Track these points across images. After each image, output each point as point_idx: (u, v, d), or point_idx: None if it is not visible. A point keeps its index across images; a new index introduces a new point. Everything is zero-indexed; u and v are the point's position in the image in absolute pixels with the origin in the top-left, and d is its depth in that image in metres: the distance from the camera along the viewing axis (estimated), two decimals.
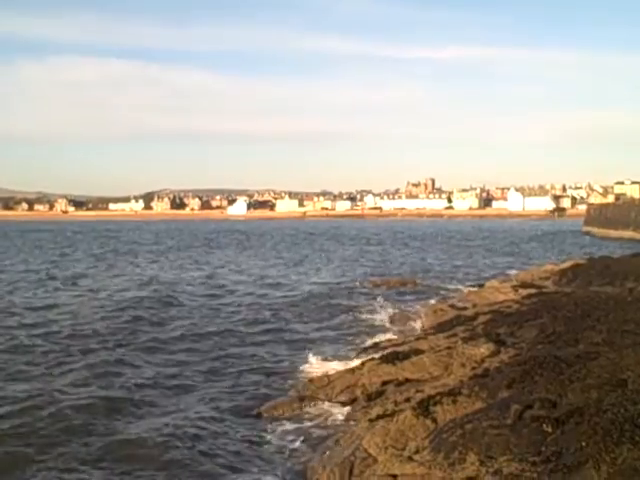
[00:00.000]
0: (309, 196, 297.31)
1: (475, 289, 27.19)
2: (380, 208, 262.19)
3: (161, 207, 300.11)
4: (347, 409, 11.99)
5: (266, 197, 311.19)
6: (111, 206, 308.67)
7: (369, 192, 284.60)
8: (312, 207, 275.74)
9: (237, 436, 11.19)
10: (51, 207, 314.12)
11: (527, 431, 7.43)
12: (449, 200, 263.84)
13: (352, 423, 10.96)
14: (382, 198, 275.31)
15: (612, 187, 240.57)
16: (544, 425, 7.44)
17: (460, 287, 30.58)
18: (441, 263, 47.03)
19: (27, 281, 35.42)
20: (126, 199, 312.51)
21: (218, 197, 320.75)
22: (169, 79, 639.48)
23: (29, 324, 21.70)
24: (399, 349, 14.14)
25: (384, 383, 12.31)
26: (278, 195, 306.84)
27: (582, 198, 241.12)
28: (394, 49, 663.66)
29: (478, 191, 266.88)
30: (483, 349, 12.30)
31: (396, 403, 10.50)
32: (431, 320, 20.00)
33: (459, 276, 37.01)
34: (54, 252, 62.49)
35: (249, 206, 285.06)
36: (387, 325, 21.32)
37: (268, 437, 11.09)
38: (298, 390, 13.48)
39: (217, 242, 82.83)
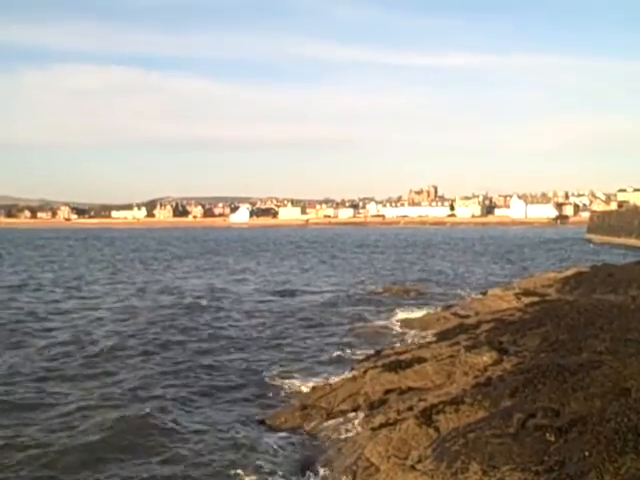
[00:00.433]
0: (311, 204, 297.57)
1: (478, 297, 27.15)
2: (383, 216, 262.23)
3: (164, 215, 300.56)
4: (349, 417, 11.95)
5: (268, 205, 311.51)
6: (114, 214, 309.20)
7: (371, 200, 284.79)
8: (315, 215, 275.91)
9: (239, 443, 11.16)
10: (54, 215, 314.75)
11: (530, 440, 7.41)
12: (451, 208, 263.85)
13: (354, 432, 10.94)
14: (384, 206, 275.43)
15: (615, 194, 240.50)
16: (547, 434, 7.42)
17: (463, 295, 30.55)
18: (444, 271, 46.97)
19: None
20: (129, 207, 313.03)
21: (221, 205, 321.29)
22: (171, 86, 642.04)
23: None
24: (402, 357, 14.10)
25: (387, 392, 12.27)
26: (280, 203, 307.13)
27: (585, 205, 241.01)
28: (395, 56, 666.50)
29: (480, 199, 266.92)
30: (486, 357, 12.26)
31: (399, 412, 10.48)
32: (434, 328, 19.96)
33: (462, 284, 36.96)
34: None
35: (252, 214, 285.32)
36: (390, 333, 21.28)
37: (270, 445, 11.06)
38: (300, 398, 13.46)
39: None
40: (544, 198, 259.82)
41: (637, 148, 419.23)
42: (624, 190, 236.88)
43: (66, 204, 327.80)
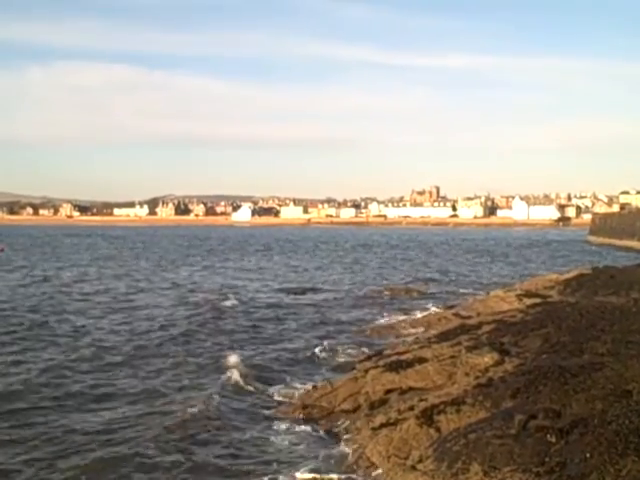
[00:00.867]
0: (313, 203, 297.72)
1: (480, 298, 27.13)
2: (385, 216, 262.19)
3: (165, 213, 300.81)
4: (350, 417, 11.95)
5: (270, 204, 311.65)
6: (116, 211, 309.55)
7: (374, 200, 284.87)
8: (316, 214, 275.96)
9: (239, 442, 11.17)
10: (56, 212, 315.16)
11: (531, 441, 7.41)
12: (454, 208, 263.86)
13: (355, 431, 10.94)
14: (387, 206, 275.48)
15: (617, 197, 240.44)
16: (548, 435, 7.43)
17: (465, 295, 30.54)
18: (446, 270, 46.98)
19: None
20: (131, 204, 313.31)
21: (223, 203, 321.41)
22: (173, 84, 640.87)
23: None
24: (403, 357, 14.10)
25: (387, 391, 12.27)
26: (282, 202, 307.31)
27: (587, 207, 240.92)
28: (397, 56, 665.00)
29: (483, 199, 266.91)
30: (487, 358, 12.26)
31: (399, 412, 10.47)
32: (435, 328, 19.95)
33: (464, 284, 36.95)
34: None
35: (253, 212, 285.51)
36: (391, 333, 21.27)
37: (270, 444, 11.06)
38: (301, 397, 13.46)
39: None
40: (546, 200, 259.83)
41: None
42: (627, 192, 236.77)
43: (68, 201, 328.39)
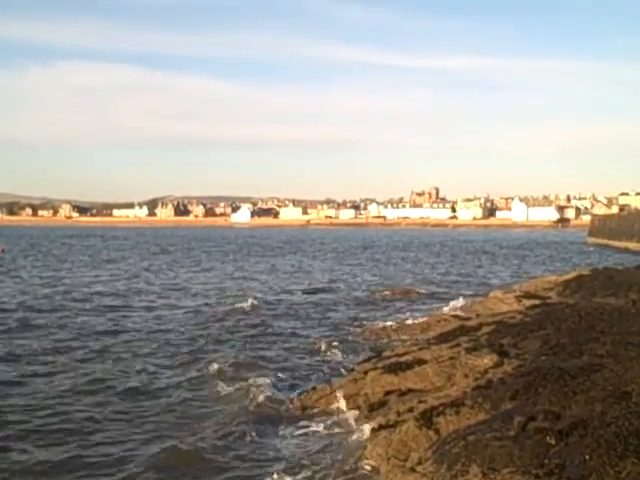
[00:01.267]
0: (313, 204, 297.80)
1: (479, 299, 27.13)
2: (384, 217, 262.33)
3: (165, 214, 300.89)
4: (349, 419, 11.94)
5: (270, 205, 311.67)
6: (115, 212, 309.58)
7: (373, 201, 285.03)
8: (316, 215, 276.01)
9: (236, 443, 11.15)
10: (55, 212, 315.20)
11: (530, 443, 7.39)
12: (453, 210, 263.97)
13: (354, 433, 10.92)
14: (386, 207, 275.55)
15: (616, 198, 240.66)
16: (548, 437, 7.41)
17: (464, 297, 30.51)
18: (446, 272, 46.99)
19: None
20: (130, 205, 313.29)
21: (222, 204, 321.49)
22: (174, 85, 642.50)
23: None
24: (402, 359, 14.08)
25: (387, 393, 12.26)
26: (282, 203, 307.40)
27: (586, 209, 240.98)
28: (398, 58, 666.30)
29: (482, 201, 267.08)
30: (486, 360, 12.25)
31: (399, 413, 10.46)
32: (434, 330, 19.93)
33: (463, 285, 36.95)
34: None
35: (253, 214, 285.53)
36: (390, 334, 21.25)
37: (268, 446, 11.05)
38: (300, 399, 13.44)
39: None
40: (546, 201, 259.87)
41: (639, 152, 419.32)
42: (626, 194, 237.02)
43: (68, 202, 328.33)
